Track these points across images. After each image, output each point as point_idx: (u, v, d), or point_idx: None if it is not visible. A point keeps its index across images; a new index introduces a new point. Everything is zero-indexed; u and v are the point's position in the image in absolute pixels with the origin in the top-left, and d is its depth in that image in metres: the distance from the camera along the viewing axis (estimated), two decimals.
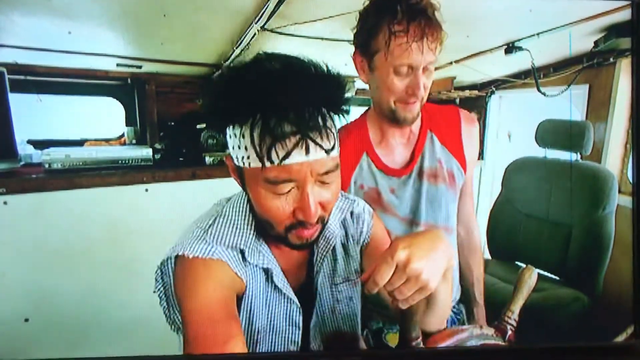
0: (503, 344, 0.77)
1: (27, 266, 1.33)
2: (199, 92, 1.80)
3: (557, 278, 1.51)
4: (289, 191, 0.53)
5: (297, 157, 0.51)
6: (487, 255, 1.69)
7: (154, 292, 0.63)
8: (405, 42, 0.74)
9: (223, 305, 0.56)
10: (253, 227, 0.62)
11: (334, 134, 0.54)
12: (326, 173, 0.54)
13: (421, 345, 0.63)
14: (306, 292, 0.68)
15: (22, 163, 1.47)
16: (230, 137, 0.55)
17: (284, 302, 0.65)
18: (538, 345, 0.68)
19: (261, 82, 0.51)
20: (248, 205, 0.62)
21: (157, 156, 1.56)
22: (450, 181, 0.89)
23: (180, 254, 0.58)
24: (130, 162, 1.53)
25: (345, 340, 0.72)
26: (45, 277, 1.36)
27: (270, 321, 0.64)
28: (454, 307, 0.98)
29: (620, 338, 0.78)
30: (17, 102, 1.40)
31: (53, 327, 1.36)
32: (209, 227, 0.61)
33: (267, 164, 0.51)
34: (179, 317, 0.61)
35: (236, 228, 0.61)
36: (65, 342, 1.38)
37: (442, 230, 0.89)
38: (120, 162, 1.52)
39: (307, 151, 0.51)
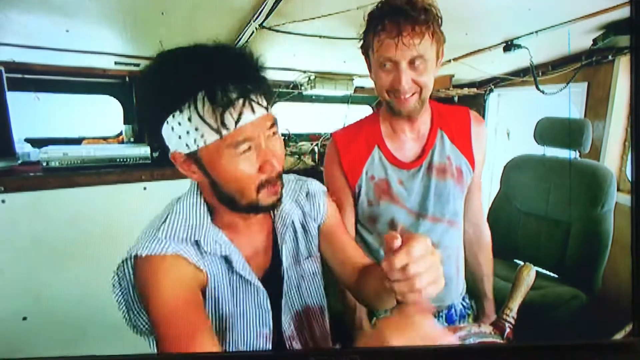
0: (501, 341, 0.77)
1: (25, 264, 1.33)
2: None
3: (556, 276, 1.51)
4: (249, 150, 0.58)
5: (247, 117, 0.56)
6: None
7: (114, 298, 0.64)
8: (382, 38, 0.79)
9: (186, 300, 0.57)
10: (207, 217, 0.64)
11: (268, 93, 0.60)
12: (272, 126, 0.60)
13: None
14: (272, 274, 0.70)
15: (20, 161, 1.46)
16: (172, 129, 0.57)
17: (249, 288, 0.66)
18: (537, 343, 0.68)
19: (192, 63, 0.56)
20: (200, 197, 0.65)
21: (156, 154, 1.55)
22: (458, 177, 0.92)
23: (134, 254, 0.59)
24: (129, 160, 1.53)
25: (313, 314, 0.74)
26: (43, 276, 1.35)
27: (238, 307, 0.66)
28: (464, 300, 1.01)
29: (619, 336, 0.78)
30: (15, 100, 1.39)
31: (51, 325, 1.36)
32: (161, 224, 0.61)
33: (224, 132, 0.55)
34: (142, 320, 0.63)
35: (188, 221, 0.62)
36: (63, 340, 1.38)
37: (448, 223, 0.93)
38: (118, 160, 1.51)
39: (253, 111, 0.57)
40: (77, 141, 1.71)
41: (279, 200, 0.64)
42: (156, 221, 0.63)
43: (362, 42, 0.87)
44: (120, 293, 0.63)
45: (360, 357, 0.57)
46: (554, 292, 1.41)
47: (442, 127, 0.93)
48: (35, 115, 1.60)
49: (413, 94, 0.83)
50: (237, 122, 0.56)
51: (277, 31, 1.35)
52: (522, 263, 0.84)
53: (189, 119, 0.56)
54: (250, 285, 0.66)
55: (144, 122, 0.64)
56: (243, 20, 1.30)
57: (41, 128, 1.64)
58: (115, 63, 1.60)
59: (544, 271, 1.52)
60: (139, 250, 0.59)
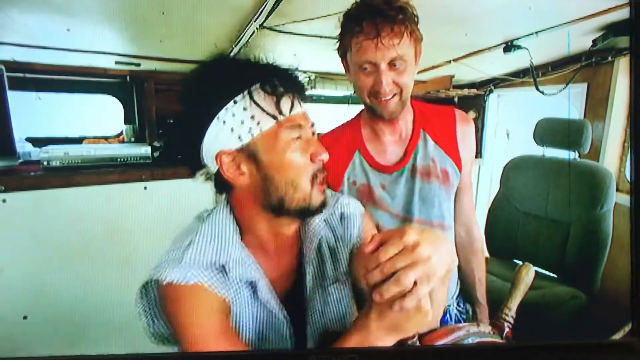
0: (500, 341, 0.77)
1: (25, 264, 1.33)
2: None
3: (555, 276, 1.51)
4: (299, 139, 0.60)
5: (297, 108, 0.61)
6: (486, 254, 1.70)
7: (137, 310, 0.63)
8: (360, 40, 0.78)
9: (221, 333, 0.57)
10: (235, 235, 0.63)
11: (306, 98, 0.65)
12: (312, 125, 0.64)
13: (417, 343, 0.63)
14: (295, 297, 0.67)
15: (20, 161, 1.46)
16: (224, 122, 0.58)
17: (272, 316, 0.65)
18: (536, 343, 0.68)
19: (244, 62, 0.62)
20: (230, 214, 0.63)
21: (156, 154, 1.55)
22: (444, 179, 0.90)
23: (157, 278, 0.58)
24: (129, 159, 1.52)
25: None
26: (44, 275, 1.35)
27: (260, 335, 0.64)
28: (459, 305, 1.00)
29: (618, 336, 0.78)
30: (16, 99, 1.39)
31: (52, 324, 1.36)
32: (187, 248, 0.60)
33: (280, 117, 0.59)
34: (164, 329, 0.62)
35: (216, 243, 0.61)
36: (63, 339, 1.38)
37: (437, 227, 0.91)
38: (118, 159, 1.51)
39: (300, 105, 0.62)
40: (78, 140, 1.70)
41: (326, 201, 0.64)
42: (182, 241, 0.61)
43: (338, 44, 0.85)
44: (142, 306, 0.63)
45: (359, 356, 0.57)
46: (553, 292, 1.42)
47: (425, 128, 0.91)
48: (36, 115, 1.59)
49: (394, 96, 0.81)
50: (291, 109, 0.60)
51: (278, 31, 1.35)
52: (521, 263, 0.84)
53: (244, 109, 0.58)
54: (273, 314, 0.65)
55: (188, 125, 0.61)
56: (244, 20, 1.30)
57: (42, 127, 1.64)
58: (116, 62, 1.60)
59: (543, 271, 1.53)
60: (161, 275, 0.57)
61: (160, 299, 0.59)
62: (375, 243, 0.50)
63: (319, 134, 0.76)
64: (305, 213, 0.63)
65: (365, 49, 0.77)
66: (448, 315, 0.97)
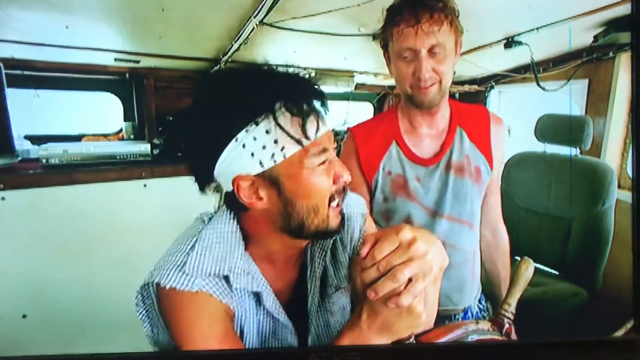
0: (500, 337, 0.76)
1: (24, 262, 1.32)
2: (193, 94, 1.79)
3: (557, 273, 1.51)
4: (324, 163, 0.56)
5: (322, 129, 0.56)
6: None
7: (138, 316, 0.61)
8: (401, 28, 0.80)
9: (223, 340, 0.55)
10: (240, 246, 0.59)
11: (328, 111, 0.60)
12: (335, 142, 0.59)
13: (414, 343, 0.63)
14: (298, 306, 0.65)
15: (19, 158, 1.46)
16: (244, 145, 0.53)
17: (277, 325, 0.63)
18: (538, 340, 0.67)
19: (265, 77, 0.56)
20: (234, 223, 0.60)
21: (156, 151, 1.55)
22: (476, 177, 0.91)
23: (157, 281, 0.55)
24: (129, 157, 1.52)
25: None
26: (43, 273, 1.35)
27: (264, 343, 0.62)
28: (480, 303, 0.99)
29: (620, 332, 0.78)
30: (15, 97, 1.39)
31: (51, 323, 1.36)
32: (188, 254, 0.57)
33: (305, 142, 0.53)
34: (166, 336, 0.60)
35: (219, 253, 0.58)
36: (63, 338, 1.38)
37: (466, 225, 0.91)
38: (118, 157, 1.51)
39: (325, 124, 0.56)
40: (77, 138, 1.70)
41: (343, 222, 0.60)
42: (183, 245, 0.58)
43: (381, 37, 0.87)
44: (144, 311, 0.60)
45: (360, 354, 0.56)
46: (555, 289, 1.42)
47: (462, 125, 0.92)
48: (34, 112, 1.59)
49: (433, 84, 0.82)
50: (317, 132, 0.54)
51: (278, 28, 1.34)
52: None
53: (267, 131, 0.52)
54: (278, 322, 0.63)
55: (201, 145, 0.56)
56: (243, 16, 1.29)
57: (41, 125, 1.64)
58: (115, 60, 1.60)
59: (545, 268, 1.53)
60: (162, 280, 0.55)
61: (160, 303, 0.57)
62: (370, 243, 0.48)
63: (348, 129, 0.73)
64: (322, 235, 0.60)
65: (405, 36, 0.79)
66: (470, 313, 0.97)
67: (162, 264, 0.57)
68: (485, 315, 1.00)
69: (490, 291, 1.02)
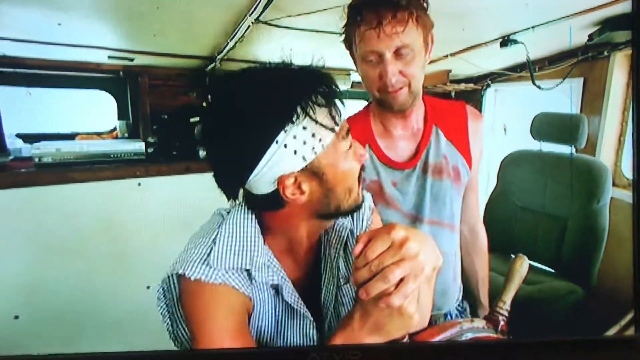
0: (495, 335, 0.76)
1: (17, 262, 1.31)
2: (192, 86, 1.78)
3: (553, 270, 1.52)
4: (350, 147, 0.59)
5: (341, 112, 0.58)
6: None
7: (159, 310, 0.61)
8: (362, 30, 0.74)
9: (237, 334, 0.55)
10: (259, 238, 0.60)
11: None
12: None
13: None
14: (312, 297, 0.66)
15: (11, 157, 1.44)
16: (285, 146, 0.53)
17: (295, 317, 0.63)
18: (537, 339, 0.67)
19: (291, 76, 0.57)
20: (252, 216, 0.61)
21: (150, 150, 1.54)
22: (455, 177, 0.88)
23: (181, 273, 0.56)
24: (123, 156, 1.51)
25: None
26: (36, 274, 1.34)
27: (281, 336, 0.63)
28: (458, 305, 0.98)
29: (614, 329, 0.78)
30: (6, 95, 1.37)
31: (46, 322, 1.35)
32: (211, 247, 0.58)
33: (336, 128, 0.56)
34: (186, 332, 0.61)
35: (240, 246, 0.59)
36: (58, 337, 1.37)
37: (447, 227, 0.89)
38: (112, 156, 1.50)
39: (340, 113, 0.58)
40: (70, 136, 1.68)
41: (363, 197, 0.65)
42: (205, 239, 0.59)
43: (343, 36, 0.82)
44: (164, 305, 0.61)
45: (361, 353, 0.56)
46: (551, 286, 1.42)
47: (437, 124, 0.88)
48: (26, 110, 1.57)
49: (402, 87, 0.78)
50: (340, 117, 0.57)
51: (274, 26, 1.34)
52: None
53: (304, 127, 0.54)
54: (296, 313, 0.63)
55: (234, 161, 0.56)
56: (239, 14, 1.28)
57: (33, 123, 1.62)
58: (109, 57, 1.58)
59: (542, 266, 1.53)
60: (187, 271, 0.55)
61: (182, 294, 0.58)
62: (362, 243, 0.49)
63: None
64: (353, 211, 0.63)
65: (368, 39, 0.74)
66: (449, 317, 0.95)
67: (185, 256, 0.57)
68: (464, 316, 0.98)
69: (468, 290, 1.01)
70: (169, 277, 0.59)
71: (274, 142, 0.53)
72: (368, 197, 0.73)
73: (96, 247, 1.40)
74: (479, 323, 0.78)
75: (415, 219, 0.87)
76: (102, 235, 1.41)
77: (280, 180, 0.55)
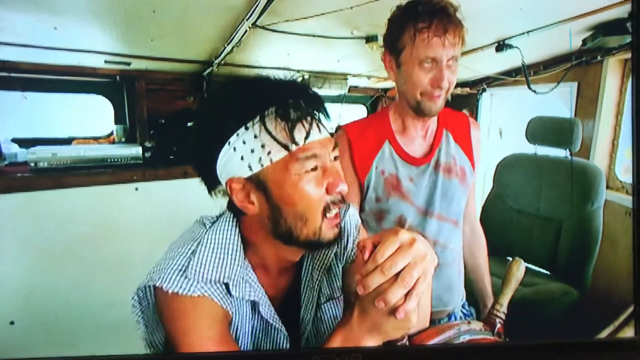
0: (492, 337, 0.77)
1: (13, 268, 1.30)
2: (189, 90, 1.78)
3: (548, 273, 1.53)
4: (315, 170, 0.55)
5: (314, 135, 0.55)
6: None
7: (134, 317, 0.61)
8: (428, 36, 0.80)
9: (222, 341, 0.55)
10: (240, 253, 0.59)
11: (329, 118, 0.60)
12: (334, 149, 0.58)
13: (407, 344, 0.63)
14: (290, 313, 0.65)
15: (6, 162, 1.44)
16: (234, 149, 0.55)
17: (270, 331, 0.63)
18: (536, 341, 0.67)
19: (260, 83, 0.58)
20: (235, 228, 0.60)
21: (148, 154, 1.54)
22: (462, 177, 0.94)
23: (157, 285, 0.55)
24: (120, 160, 1.51)
25: None
26: (32, 279, 1.33)
27: (255, 347, 0.63)
28: (463, 308, 1.02)
29: (607, 331, 0.79)
30: (1, 99, 1.36)
31: (41, 327, 1.34)
32: (190, 258, 0.57)
33: (293, 147, 0.53)
34: (161, 338, 0.61)
35: (220, 259, 0.58)
36: (54, 342, 1.36)
37: (452, 224, 0.94)
38: (109, 160, 1.49)
39: (319, 130, 0.56)
40: (67, 141, 1.67)
41: (340, 235, 0.59)
42: (183, 248, 0.58)
43: (390, 38, 0.86)
44: (140, 313, 0.60)
45: (362, 355, 0.56)
46: (546, 288, 1.43)
47: (447, 127, 0.95)
48: (22, 115, 1.56)
49: (443, 92, 0.85)
50: (306, 137, 0.54)
51: (271, 30, 1.34)
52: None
53: (255, 136, 0.54)
54: (272, 327, 0.63)
55: (200, 147, 0.58)
56: (236, 19, 1.28)
57: (29, 128, 1.61)
58: (106, 62, 1.57)
59: (536, 268, 1.54)
60: (164, 284, 0.54)
61: (160, 305, 0.57)
62: (369, 248, 0.48)
63: (339, 127, 0.72)
64: (314, 246, 0.59)
65: (433, 44, 0.80)
66: (453, 318, 0.98)
67: (162, 267, 0.56)
68: (469, 320, 0.99)
69: (474, 289, 1.06)
70: (145, 287, 0.58)
71: (227, 142, 0.55)
72: (354, 214, 0.72)
73: (93, 252, 1.39)
74: (476, 325, 0.78)
75: (426, 213, 0.92)
76: (99, 240, 1.40)
77: (229, 182, 0.56)
